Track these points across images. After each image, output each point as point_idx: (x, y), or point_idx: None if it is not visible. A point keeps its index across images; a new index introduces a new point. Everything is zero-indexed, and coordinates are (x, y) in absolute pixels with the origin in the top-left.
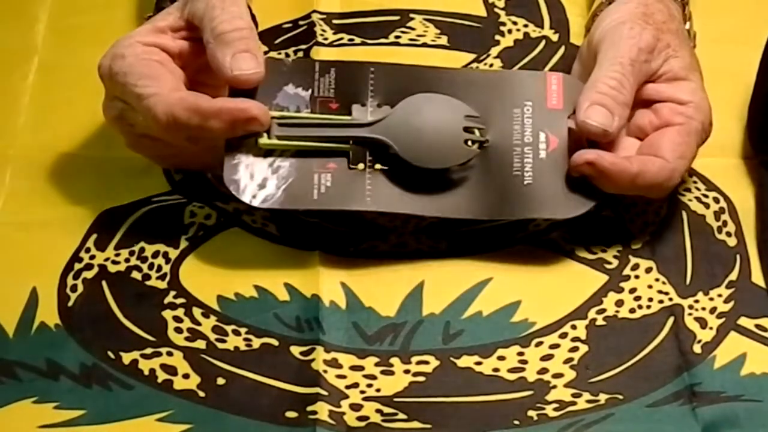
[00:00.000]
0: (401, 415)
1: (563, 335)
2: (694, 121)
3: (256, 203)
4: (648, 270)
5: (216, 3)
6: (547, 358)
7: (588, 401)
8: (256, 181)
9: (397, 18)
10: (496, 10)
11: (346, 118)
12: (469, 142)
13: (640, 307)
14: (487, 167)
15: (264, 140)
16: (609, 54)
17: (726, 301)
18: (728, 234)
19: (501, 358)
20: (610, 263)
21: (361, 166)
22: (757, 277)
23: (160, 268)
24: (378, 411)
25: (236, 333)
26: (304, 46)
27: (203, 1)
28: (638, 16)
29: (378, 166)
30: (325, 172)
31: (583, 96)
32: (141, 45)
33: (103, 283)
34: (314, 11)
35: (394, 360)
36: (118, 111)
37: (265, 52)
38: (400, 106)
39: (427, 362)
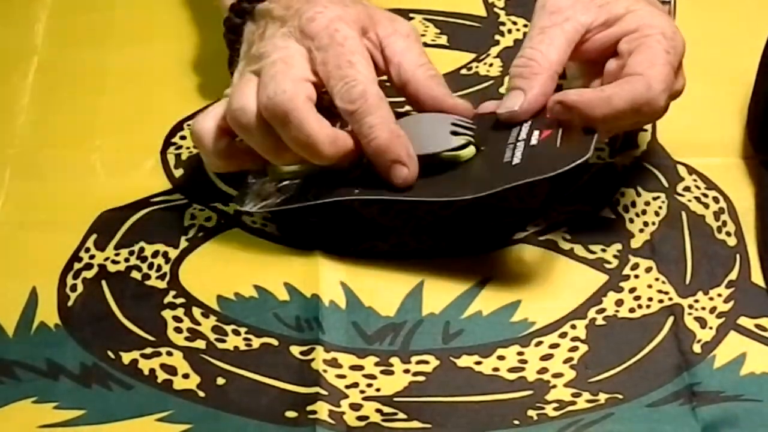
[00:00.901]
0: (401, 415)
1: (563, 335)
2: (650, 36)
3: (254, 209)
4: (648, 270)
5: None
6: (546, 357)
7: (588, 401)
8: (261, 196)
9: None
10: (495, 10)
11: None
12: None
13: (639, 306)
14: (479, 163)
15: (273, 169)
16: (526, 36)
17: (726, 301)
18: (728, 234)
19: (501, 357)
20: (609, 263)
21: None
22: (756, 276)
23: (159, 267)
24: (378, 411)
25: (236, 333)
26: None
27: (334, 65)
28: None
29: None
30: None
31: None
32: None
33: (103, 282)
34: None
35: (394, 360)
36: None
37: None
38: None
39: (426, 362)
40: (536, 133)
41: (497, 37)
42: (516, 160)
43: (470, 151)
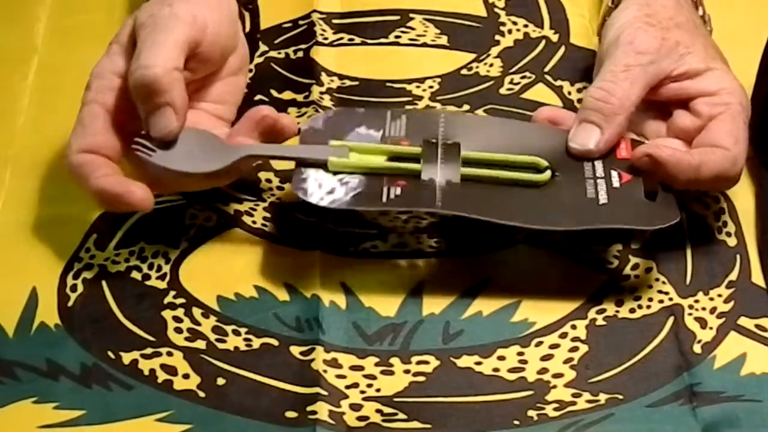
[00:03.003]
0: (401, 415)
1: (563, 335)
2: (732, 104)
3: (323, 204)
4: (648, 270)
5: (144, 33)
6: (547, 358)
7: (588, 401)
8: (324, 189)
9: (397, 18)
10: (496, 10)
11: (417, 150)
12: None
13: (640, 307)
14: (559, 191)
15: (335, 160)
16: (604, 66)
17: (726, 301)
18: (728, 234)
19: (501, 358)
20: (610, 263)
21: (431, 179)
22: (757, 277)
23: (160, 267)
24: (378, 411)
25: (236, 333)
26: (304, 46)
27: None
28: (639, 19)
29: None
30: (394, 186)
31: (576, 116)
32: (109, 76)
33: (103, 283)
34: (314, 11)
35: (394, 360)
36: None
37: (265, 52)
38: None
39: (427, 362)
40: (614, 174)
41: (497, 37)
42: (602, 200)
43: (547, 175)
